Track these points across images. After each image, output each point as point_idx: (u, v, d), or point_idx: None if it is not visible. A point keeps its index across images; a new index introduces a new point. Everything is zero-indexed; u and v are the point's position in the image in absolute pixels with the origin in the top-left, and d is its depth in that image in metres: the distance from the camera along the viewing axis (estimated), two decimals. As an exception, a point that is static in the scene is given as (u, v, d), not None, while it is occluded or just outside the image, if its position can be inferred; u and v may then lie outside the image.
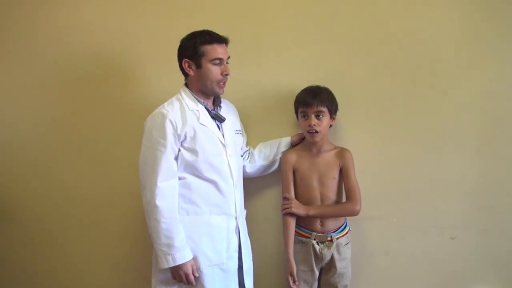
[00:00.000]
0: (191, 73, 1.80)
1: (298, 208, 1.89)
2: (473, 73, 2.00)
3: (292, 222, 1.91)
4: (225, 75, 1.79)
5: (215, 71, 1.77)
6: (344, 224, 1.94)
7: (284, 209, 1.92)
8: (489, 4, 1.98)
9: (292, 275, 1.87)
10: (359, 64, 2.05)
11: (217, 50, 1.77)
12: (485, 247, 2.01)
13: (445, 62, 2.01)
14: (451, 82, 2.00)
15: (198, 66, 1.78)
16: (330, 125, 1.93)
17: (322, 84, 1.94)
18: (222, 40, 1.80)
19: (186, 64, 1.79)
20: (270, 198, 2.09)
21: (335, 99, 1.92)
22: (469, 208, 2.02)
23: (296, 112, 1.95)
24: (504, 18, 1.97)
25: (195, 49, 1.76)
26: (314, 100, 1.85)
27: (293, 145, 2.03)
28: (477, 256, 2.02)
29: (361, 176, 1.95)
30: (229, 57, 1.82)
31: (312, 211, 1.88)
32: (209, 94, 1.84)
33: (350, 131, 2.06)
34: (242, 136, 2.01)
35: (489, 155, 2.00)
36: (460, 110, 2.01)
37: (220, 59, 1.77)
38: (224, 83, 1.82)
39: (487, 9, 1.98)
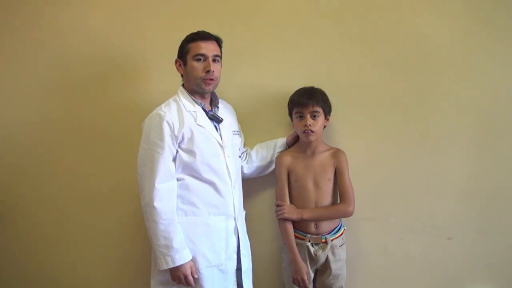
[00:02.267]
0: (181, 71, 1.83)
1: (291, 213, 1.90)
2: (470, 74, 2.00)
3: (290, 227, 1.91)
4: (207, 71, 1.77)
5: (197, 67, 1.77)
6: (339, 226, 1.94)
7: (278, 215, 1.93)
8: (486, 6, 1.98)
9: (308, 275, 1.87)
10: (355, 65, 2.05)
11: (200, 46, 1.77)
12: (482, 247, 2.02)
13: (440, 63, 2.01)
14: (447, 83, 2.01)
15: (185, 64, 1.80)
16: (324, 126, 1.94)
17: (318, 85, 1.95)
18: (208, 37, 1.80)
19: (177, 64, 1.83)
20: (269, 198, 2.09)
21: (328, 99, 1.93)
22: (466, 209, 2.02)
23: (290, 114, 1.95)
24: (501, 20, 1.98)
25: (182, 47, 1.81)
26: (310, 100, 1.86)
27: (288, 145, 2.04)
28: (474, 257, 2.03)
29: (358, 177, 1.96)
30: (218, 56, 1.81)
31: (305, 215, 1.89)
32: (198, 92, 1.83)
33: (347, 131, 2.07)
34: (240, 137, 2.02)
35: (486, 155, 2.00)
36: (456, 111, 2.01)
37: (202, 55, 1.77)
38: (211, 80, 1.79)
39: (484, 11, 1.98)
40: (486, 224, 2.01)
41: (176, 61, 1.84)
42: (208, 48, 1.78)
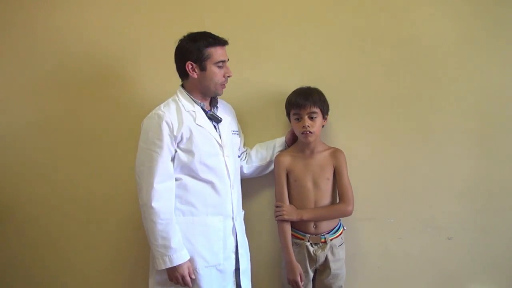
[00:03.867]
0: (195, 75, 1.78)
1: (290, 215, 1.90)
2: (470, 73, 2.00)
3: (287, 228, 1.92)
4: (227, 77, 1.81)
5: (218, 73, 1.79)
6: (338, 225, 1.94)
7: (277, 216, 1.93)
8: (487, 6, 1.98)
9: (301, 276, 1.87)
10: (354, 65, 2.05)
11: (221, 53, 1.79)
12: (482, 247, 2.02)
13: (441, 62, 2.01)
14: (447, 82, 2.00)
15: (203, 68, 1.77)
16: (322, 126, 1.94)
17: (317, 84, 1.94)
18: (224, 43, 1.81)
19: (190, 67, 1.77)
20: (268, 198, 2.09)
21: (326, 99, 1.93)
22: (466, 208, 2.02)
23: (288, 114, 1.95)
24: (501, 20, 1.97)
25: (199, 52, 1.76)
26: (307, 101, 1.85)
27: (288, 143, 2.04)
28: (473, 256, 2.03)
29: (357, 177, 1.96)
30: (228, 59, 1.83)
31: (305, 216, 1.89)
32: (210, 96, 1.86)
33: (346, 131, 2.06)
34: (239, 136, 2.01)
35: (486, 155, 2.00)
36: (456, 110, 2.01)
37: (223, 61, 1.79)
38: (225, 84, 1.84)
39: (485, 11, 1.98)
40: (486, 224, 2.01)
41: (187, 64, 1.77)
42: (225, 54, 1.81)
